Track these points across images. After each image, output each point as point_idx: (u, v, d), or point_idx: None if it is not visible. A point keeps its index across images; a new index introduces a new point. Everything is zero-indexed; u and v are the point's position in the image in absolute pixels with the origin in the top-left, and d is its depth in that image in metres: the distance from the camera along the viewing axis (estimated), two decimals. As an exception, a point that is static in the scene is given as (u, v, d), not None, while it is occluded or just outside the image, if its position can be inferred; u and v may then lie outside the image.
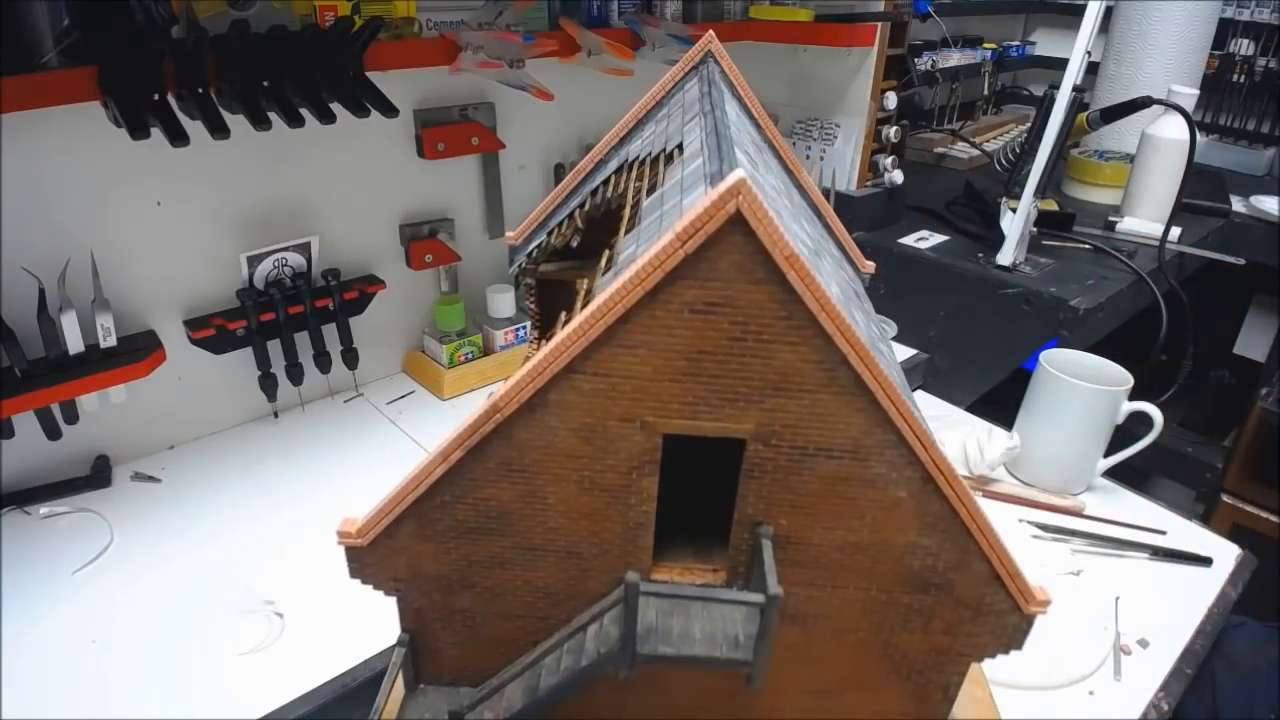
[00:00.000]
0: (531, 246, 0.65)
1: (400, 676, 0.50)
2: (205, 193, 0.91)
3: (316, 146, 0.96)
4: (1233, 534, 1.04)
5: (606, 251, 0.51)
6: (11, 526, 0.83)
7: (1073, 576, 0.86)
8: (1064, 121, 1.18)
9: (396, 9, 0.93)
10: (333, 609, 0.73)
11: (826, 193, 1.41)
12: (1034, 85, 2.38)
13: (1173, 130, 1.43)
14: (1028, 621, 0.46)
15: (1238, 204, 1.65)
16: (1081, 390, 0.93)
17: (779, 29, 1.30)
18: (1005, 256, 1.29)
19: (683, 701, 0.52)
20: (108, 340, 0.84)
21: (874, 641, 0.48)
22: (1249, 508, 1.39)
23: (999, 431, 0.98)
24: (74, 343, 0.81)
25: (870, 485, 0.42)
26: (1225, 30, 1.93)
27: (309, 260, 1.00)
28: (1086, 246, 1.40)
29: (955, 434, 0.99)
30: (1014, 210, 1.28)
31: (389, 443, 1.01)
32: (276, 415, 1.04)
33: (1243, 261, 1.40)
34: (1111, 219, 1.50)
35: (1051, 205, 1.52)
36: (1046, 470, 0.99)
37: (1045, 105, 1.22)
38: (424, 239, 1.10)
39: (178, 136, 0.73)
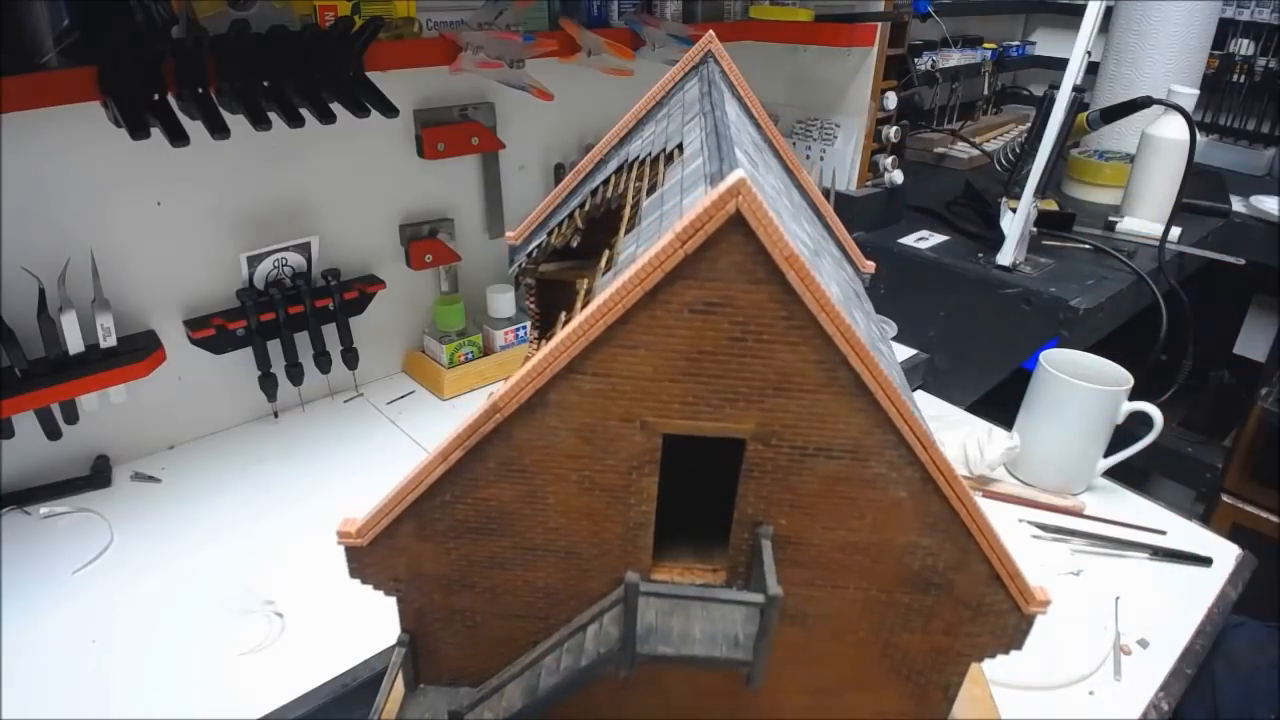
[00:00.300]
0: (531, 246, 0.65)
1: (400, 676, 0.50)
2: (205, 193, 0.91)
3: (316, 146, 0.96)
4: (1233, 534, 1.04)
5: (606, 251, 0.51)
6: (11, 526, 0.83)
7: (1073, 576, 0.86)
8: (1064, 121, 1.18)
9: (396, 9, 0.93)
10: (333, 609, 0.73)
11: (826, 193, 1.41)
12: (1034, 85, 2.38)
13: (1173, 130, 1.43)
14: (1028, 621, 0.46)
15: (1238, 204, 1.65)
16: (1081, 390, 0.93)
17: (779, 29, 1.30)
18: (1005, 256, 1.29)
19: (683, 701, 0.52)
20: (108, 340, 0.84)
21: (874, 641, 0.48)
22: (1249, 508, 1.39)
23: (999, 431, 0.98)
24: (74, 343, 0.81)
25: (870, 485, 0.42)
26: (1225, 30, 1.93)
27: (309, 260, 1.00)
28: (1086, 246, 1.40)
29: (955, 434, 0.99)
30: (1014, 210, 1.28)
31: (389, 443, 1.01)
32: (276, 415, 1.04)
33: (1243, 261, 1.40)
34: (1111, 219, 1.50)
35: (1051, 205, 1.52)
36: (1046, 470, 0.99)
37: (1045, 105, 1.22)
38: (424, 239, 1.10)
39: (178, 136, 0.73)
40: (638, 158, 0.57)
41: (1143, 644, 0.78)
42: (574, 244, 0.60)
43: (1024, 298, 1.24)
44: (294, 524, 0.85)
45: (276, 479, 0.93)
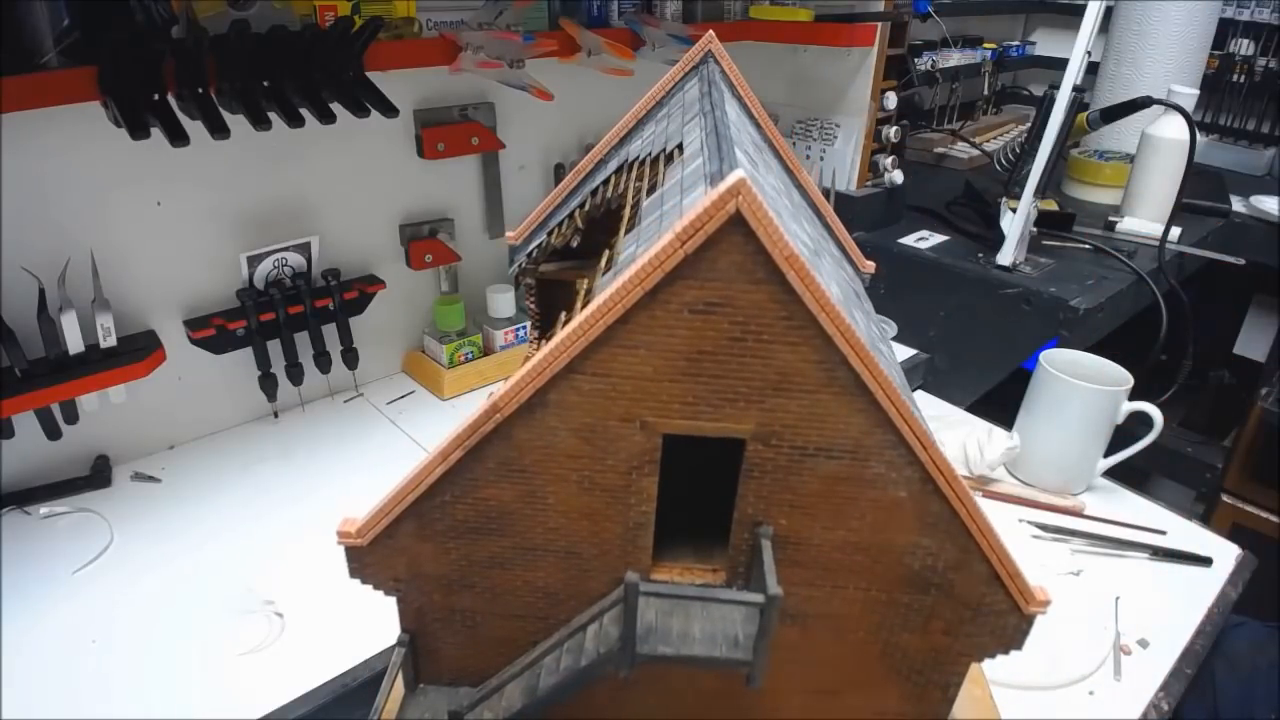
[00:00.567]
0: (531, 246, 0.65)
1: (400, 676, 0.50)
2: (205, 193, 0.91)
3: (316, 146, 0.96)
4: (1233, 534, 1.04)
5: (606, 251, 0.51)
6: (11, 526, 0.83)
7: (1073, 576, 0.86)
8: (1064, 121, 1.18)
9: (396, 9, 0.93)
10: (333, 609, 0.73)
11: (826, 193, 1.41)
12: (1034, 85, 2.38)
13: (1173, 130, 1.43)
14: (1028, 621, 0.46)
15: (1238, 204, 1.65)
16: (1081, 390, 0.93)
17: (779, 29, 1.30)
18: (1005, 256, 1.29)
19: (683, 701, 0.52)
20: (108, 340, 0.84)
21: (874, 641, 0.48)
22: (1249, 508, 1.39)
23: (999, 431, 0.98)
24: (74, 343, 0.81)
25: (870, 485, 0.42)
26: (1225, 30, 1.93)
27: (309, 260, 1.00)
28: (1086, 246, 1.40)
29: (955, 434, 0.99)
30: (1014, 210, 1.28)
31: (389, 443, 1.01)
32: (276, 415, 1.04)
33: (1243, 261, 1.40)
34: (1111, 219, 1.50)
35: (1051, 205, 1.52)
36: (1046, 470, 0.99)
37: (1045, 105, 1.22)
38: (424, 239, 1.10)
39: (178, 136, 0.73)
40: (638, 158, 0.57)
41: (1143, 644, 0.78)
42: (574, 244, 0.60)
43: (1024, 298, 1.24)
44: (294, 524, 0.85)
45: (276, 479, 0.93)
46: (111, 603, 0.75)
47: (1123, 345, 1.16)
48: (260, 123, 0.78)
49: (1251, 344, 2.03)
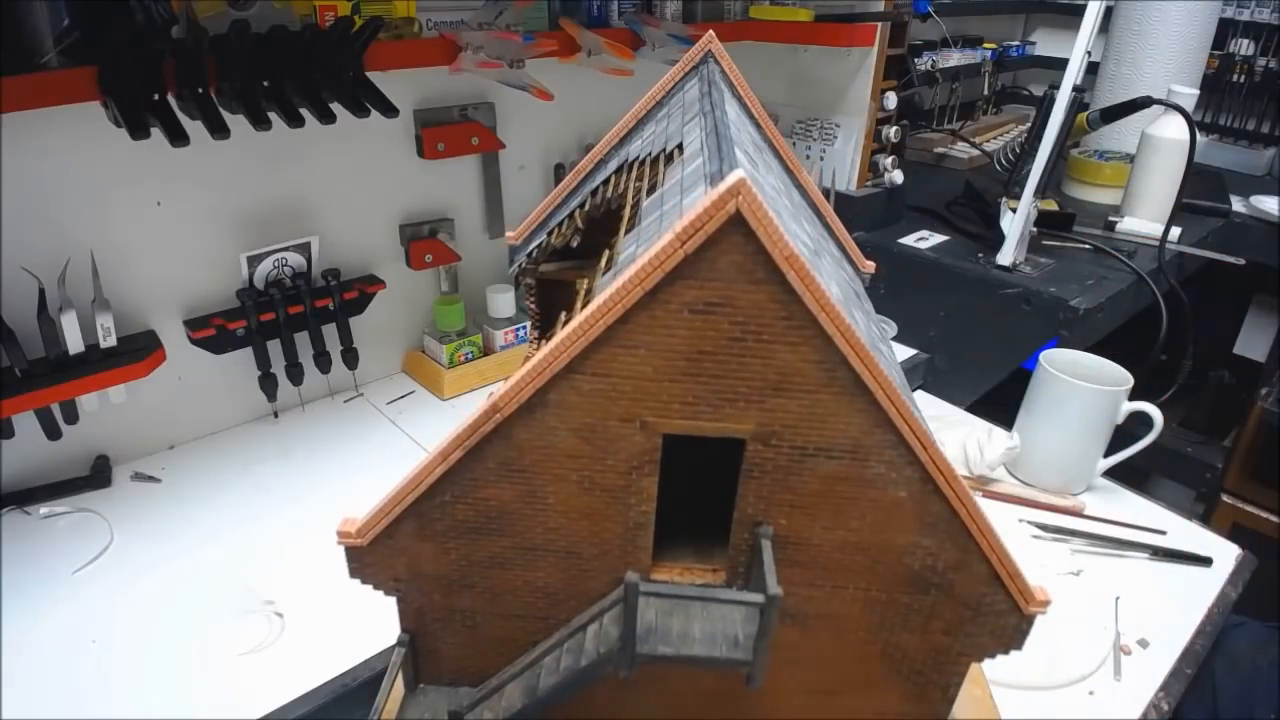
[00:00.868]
0: (531, 246, 0.65)
1: (400, 676, 0.50)
2: (205, 193, 0.91)
3: (316, 146, 0.96)
4: (1233, 534, 1.04)
5: (606, 251, 0.51)
6: (11, 526, 0.83)
7: (1073, 576, 0.86)
8: (1064, 121, 1.18)
9: (396, 9, 0.93)
10: (333, 609, 0.73)
11: (826, 193, 1.41)
12: (1034, 85, 2.38)
13: (1173, 130, 1.43)
14: (1028, 621, 0.46)
15: (1238, 204, 1.65)
16: (1081, 390, 0.93)
17: (779, 29, 1.30)
18: (1005, 256, 1.29)
19: (683, 701, 0.52)
20: (108, 340, 0.84)
21: (874, 641, 0.48)
22: (1249, 508, 1.39)
23: (999, 431, 0.98)
24: (74, 343, 0.81)
25: (870, 485, 0.42)
26: (1225, 30, 1.93)
27: (309, 260, 1.00)
28: (1086, 246, 1.40)
29: (955, 434, 0.99)
30: (1014, 210, 1.28)
31: (389, 443, 1.01)
32: (276, 415, 1.04)
33: (1243, 261, 1.40)
34: (1111, 219, 1.50)
35: (1051, 205, 1.52)
36: (1046, 470, 0.99)
37: (1045, 105, 1.22)
38: (424, 239, 1.10)
39: (178, 136, 0.73)
40: (638, 158, 0.57)
41: (1143, 644, 0.78)
42: (574, 244, 0.60)
43: (1024, 298, 1.24)
44: (294, 524, 0.85)
45: (276, 479, 0.93)
46: (111, 603, 0.75)
47: (1123, 345, 1.16)
48: (260, 123, 0.78)
49: (1251, 344, 2.03)
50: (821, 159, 1.44)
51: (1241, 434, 1.38)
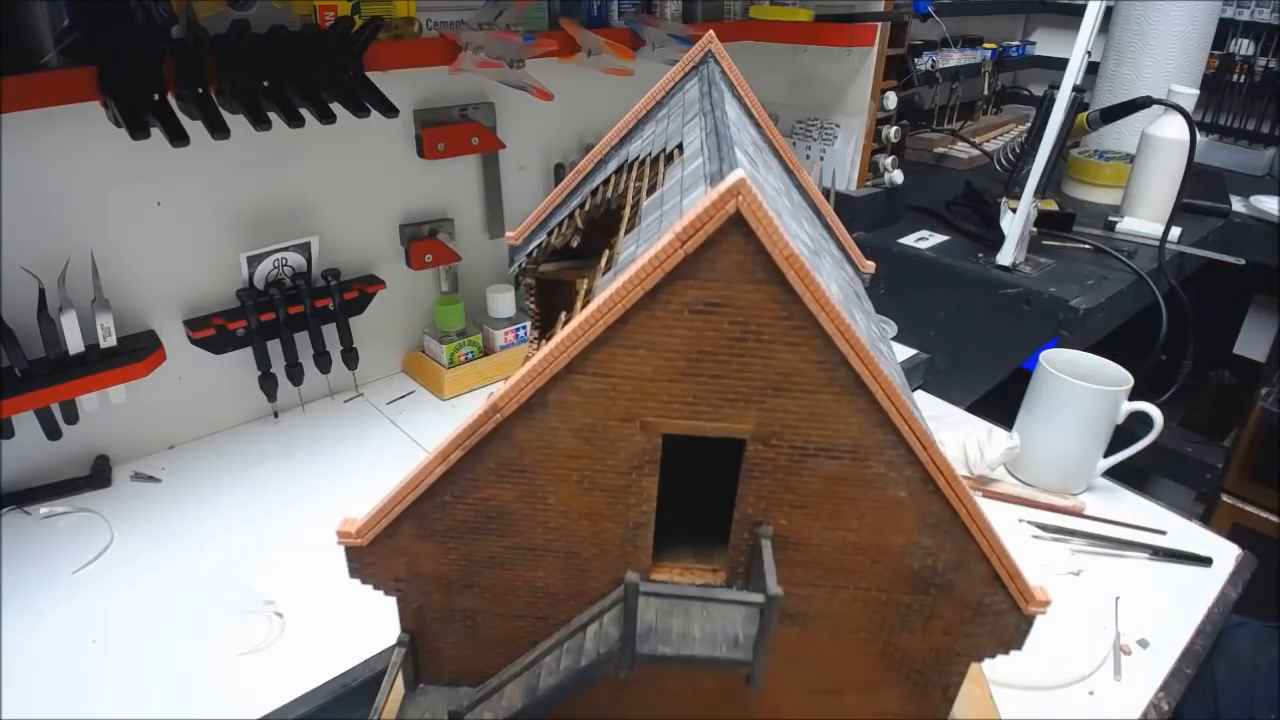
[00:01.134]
0: (531, 246, 0.65)
1: (400, 676, 0.50)
2: (205, 193, 0.91)
3: (316, 146, 0.96)
4: (1233, 534, 1.04)
5: (606, 251, 0.51)
6: (11, 526, 0.83)
7: (1073, 576, 0.86)
8: (1064, 121, 1.18)
9: (396, 9, 0.93)
10: (333, 609, 0.73)
11: (826, 193, 1.41)
12: (1034, 85, 2.38)
13: (1173, 130, 1.43)
14: (1028, 622, 0.46)
15: (1238, 204, 1.65)
16: (1081, 390, 0.93)
17: (779, 29, 1.30)
18: (1005, 256, 1.29)
19: (683, 701, 0.52)
20: (108, 340, 0.84)
21: (874, 642, 0.48)
22: (1249, 508, 1.39)
23: (999, 431, 0.98)
24: (74, 343, 0.81)
25: (870, 485, 0.42)
26: (1225, 30, 1.93)
27: (309, 260, 1.00)
28: (1086, 246, 1.40)
29: (955, 434, 0.99)
30: (1014, 210, 1.28)
31: (389, 443, 1.01)
32: (276, 415, 1.04)
33: (1243, 261, 1.40)
34: (1111, 219, 1.50)
35: (1051, 205, 1.52)
36: (1046, 470, 0.99)
37: (1045, 105, 1.21)
38: (424, 239, 1.10)
39: (178, 136, 0.73)
40: (638, 158, 0.57)
41: (1143, 644, 0.78)
42: (574, 244, 0.60)
43: (1024, 298, 1.24)
44: (294, 524, 0.85)
45: (276, 479, 0.93)
46: (111, 603, 0.75)
47: (1123, 345, 1.16)
48: (260, 123, 0.78)
49: (1251, 344, 2.03)
50: (821, 159, 1.44)
51: (1241, 434, 1.38)
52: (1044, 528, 0.92)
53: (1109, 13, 1.70)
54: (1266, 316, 2.00)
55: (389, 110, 0.87)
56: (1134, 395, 0.93)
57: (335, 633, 0.71)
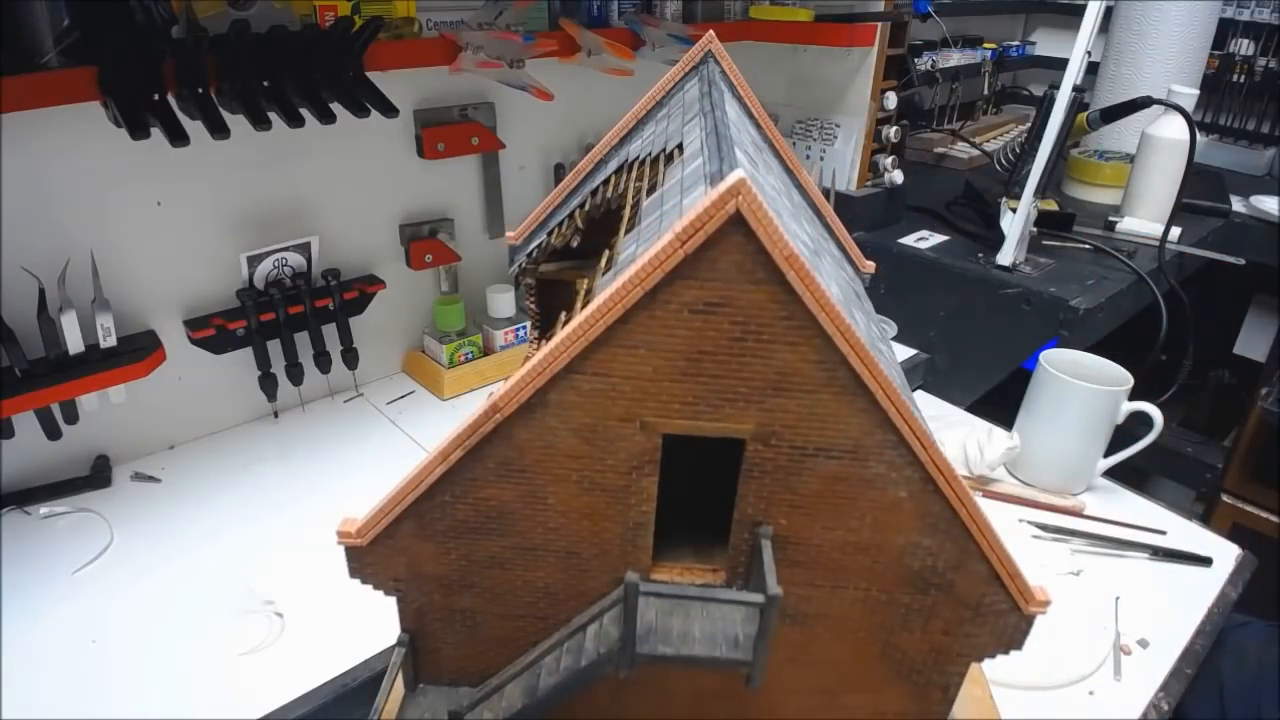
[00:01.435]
0: (531, 246, 0.65)
1: (400, 676, 0.50)
2: (205, 193, 0.91)
3: (316, 146, 0.96)
4: (1233, 534, 1.04)
5: (606, 251, 0.51)
6: (11, 526, 0.83)
7: (1073, 576, 0.86)
8: (1064, 121, 1.18)
9: (396, 9, 0.93)
10: (333, 609, 0.73)
11: (826, 193, 1.41)
12: (1034, 85, 2.38)
13: (1173, 130, 1.43)
14: (1028, 621, 0.46)
15: (1238, 204, 1.65)
16: (1081, 390, 0.93)
17: (779, 29, 1.30)
18: (1005, 256, 1.29)
19: (683, 701, 0.52)
20: (108, 340, 0.84)
21: (874, 641, 0.48)
22: (1249, 508, 1.39)
23: (999, 431, 0.98)
24: (74, 343, 0.81)
25: (870, 485, 0.42)
26: (1225, 30, 1.93)
27: (309, 260, 1.00)
28: (1086, 246, 1.40)
29: (955, 434, 0.99)
30: (1014, 210, 1.28)
31: (389, 443, 1.01)
32: (276, 415, 1.04)
33: (1243, 261, 1.40)
34: (1111, 219, 1.50)
35: (1051, 205, 1.52)
36: (1046, 470, 0.99)
37: (1045, 105, 1.21)
38: (424, 239, 1.10)
39: (178, 136, 0.73)
40: (638, 158, 0.57)
41: (1143, 644, 0.78)
42: (574, 244, 0.60)
43: (1024, 298, 1.24)
44: (294, 524, 0.85)
45: (276, 479, 0.93)
46: (111, 603, 0.75)
47: (1123, 345, 1.16)
48: (260, 123, 0.78)
49: (1251, 344, 2.03)
50: (821, 159, 1.44)
51: (1241, 434, 1.38)
52: (1044, 528, 0.92)
53: (1109, 13, 1.70)
54: (1266, 316, 2.00)
55: (389, 110, 0.87)
56: (1134, 395, 0.93)
57: (335, 633, 0.71)
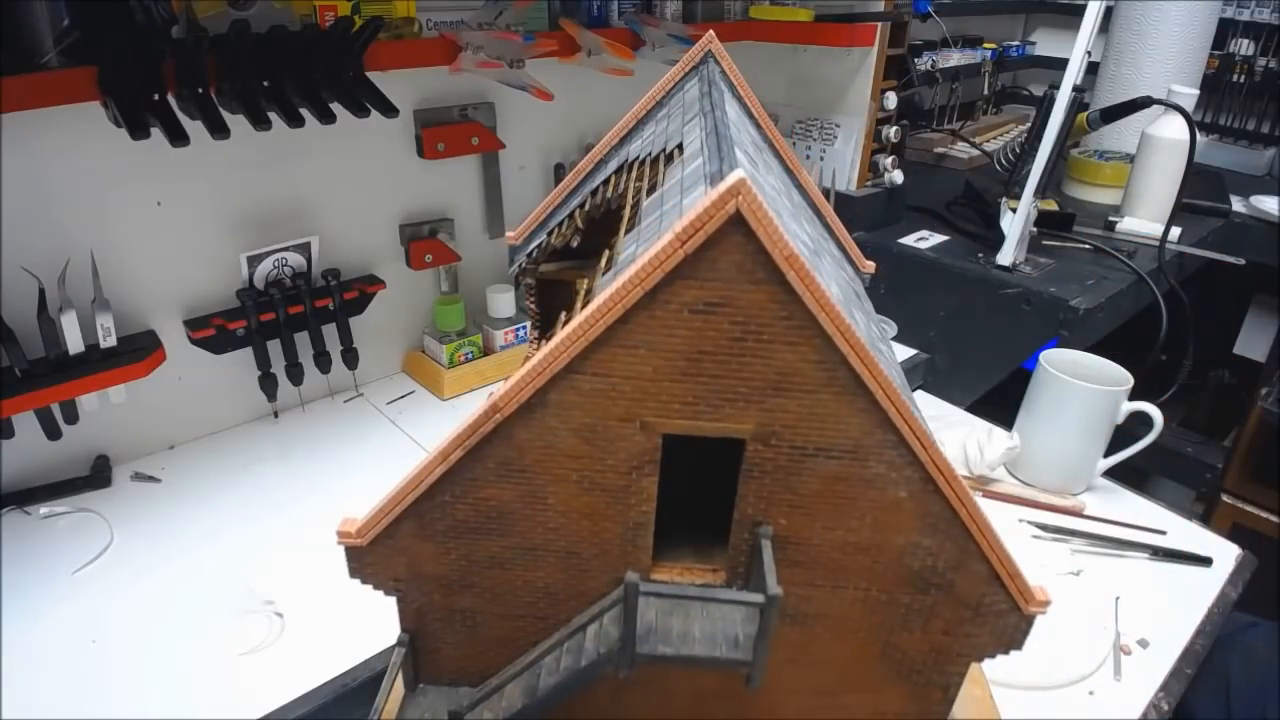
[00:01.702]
0: (531, 246, 0.65)
1: (400, 676, 0.50)
2: (205, 193, 0.91)
3: (316, 146, 0.96)
4: (1233, 534, 1.04)
5: (606, 251, 0.51)
6: (11, 526, 0.83)
7: (1073, 576, 0.86)
8: (1064, 121, 1.18)
9: (396, 9, 0.93)
10: (333, 609, 0.73)
11: (826, 193, 1.41)
12: (1034, 85, 2.38)
13: (1173, 130, 1.43)
14: (1028, 621, 0.46)
15: (1238, 204, 1.65)
16: (1081, 390, 0.93)
17: (779, 29, 1.30)
18: (1005, 256, 1.29)
19: (683, 702, 0.52)
20: (108, 340, 0.84)
21: (874, 642, 0.48)
22: (1249, 508, 1.39)
23: (999, 431, 0.98)
24: (74, 343, 0.81)
25: (870, 485, 0.42)
26: (1225, 30, 1.93)
27: (309, 260, 1.00)
28: (1086, 246, 1.40)
29: (955, 434, 0.99)
30: (1014, 210, 1.28)
31: (389, 443, 1.01)
32: (276, 415, 1.04)
33: (1243, 261, 1.40)
34: (1111, 219, 1.50)
35: (1051, 205, 1.52)
36: (1046, 470, 0.99)
37: (1045, 105, 1.21)
38: (424, 239, 1.10)
39: (178, 136, 0.73)
40: (638, 158, 0.57)
41: (1143, 644, 0.78)
42: (574, 244, 0.60)
43: (1024, 298, 1.24)
44: (294, 524, 0.85)
45: (276, 479, 0.93)
46: (111, 603, 0.75)
47: (1123, 345, 1.16)
48: (260, 123, 0.78)
49: (1251, 344, 2.03)
50: (821, 159, 1.44)
51: (1241, 434, 1.38)
52: (1044, 528, 0.92)
53: (1109, 13, 1.70)
54: (1266, 316, 2.00)
55: (389, 110, 0.87)
56: (1134, 395, 0.93)
57: (335, 633, 0.71)
